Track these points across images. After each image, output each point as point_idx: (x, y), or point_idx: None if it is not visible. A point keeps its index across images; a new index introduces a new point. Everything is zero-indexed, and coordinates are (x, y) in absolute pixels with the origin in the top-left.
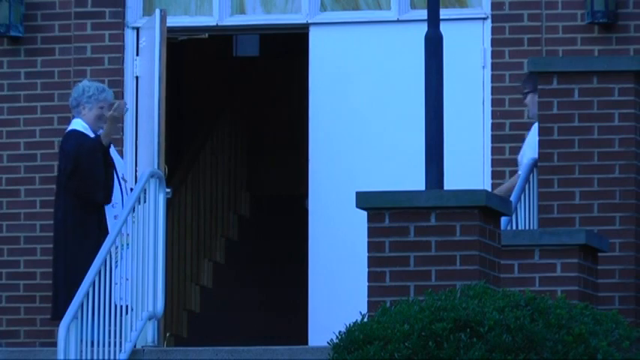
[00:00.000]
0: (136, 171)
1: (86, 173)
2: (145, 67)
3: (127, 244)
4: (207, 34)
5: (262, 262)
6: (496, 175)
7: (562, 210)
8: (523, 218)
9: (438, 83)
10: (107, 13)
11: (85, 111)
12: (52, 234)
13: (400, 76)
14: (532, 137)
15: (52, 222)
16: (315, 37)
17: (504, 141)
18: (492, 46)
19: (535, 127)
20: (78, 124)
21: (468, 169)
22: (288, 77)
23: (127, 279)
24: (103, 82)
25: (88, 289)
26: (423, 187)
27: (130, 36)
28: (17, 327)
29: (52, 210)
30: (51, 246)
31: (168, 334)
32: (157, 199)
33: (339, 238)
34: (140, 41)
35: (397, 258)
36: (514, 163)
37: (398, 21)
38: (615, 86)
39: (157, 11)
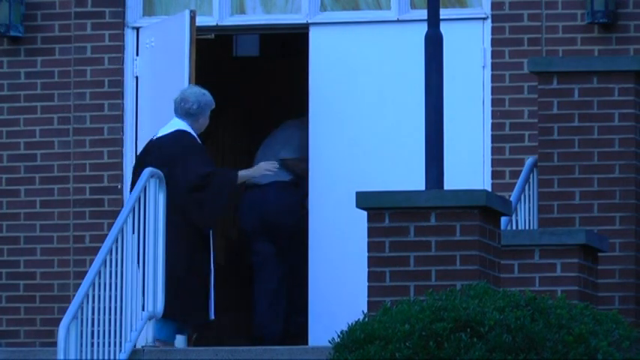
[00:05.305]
0: None
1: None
2: (149, 68)
3: None
4: (213, 35)
5: None
6: (496, 175)
7: (562, 210)
8: (523, 218)
9: (438, 83)
10: (107, 13)
11: (201, 120)
12: (51, 234)
13: (400, 76)
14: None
15: (51, 222)
16: (315, 37)
17: (504, 141)
18: (492, 46)
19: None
20: (184, 126)
21: (468, 169)
22: (288, 77)
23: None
24: (102, 82)
25: (87, 290)
26: (423, 187)
27: (130, 36)
28: (17, 327)
29: (51, 210)
30: (50, 246)
31: (194, 336)
32: (157, 199)
33: (339, 237)
34: (146, 41)
35: (397, 258)
36: (514, 163)
37: (398, 21)
38: (615, 86)
39: (187, 12)
